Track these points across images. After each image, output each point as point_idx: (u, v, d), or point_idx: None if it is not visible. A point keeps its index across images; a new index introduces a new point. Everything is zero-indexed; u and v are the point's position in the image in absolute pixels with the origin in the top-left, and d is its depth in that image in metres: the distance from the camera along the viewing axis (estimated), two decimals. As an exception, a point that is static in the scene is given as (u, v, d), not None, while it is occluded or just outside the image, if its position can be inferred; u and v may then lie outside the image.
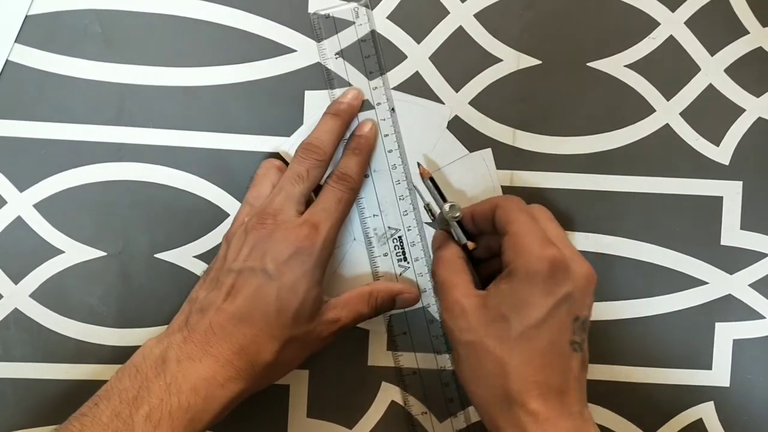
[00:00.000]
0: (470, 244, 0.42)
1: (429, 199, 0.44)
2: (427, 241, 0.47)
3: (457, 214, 0.42)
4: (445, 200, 0.43)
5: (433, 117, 0.46)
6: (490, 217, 0.41)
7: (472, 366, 0.38)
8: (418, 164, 0.46)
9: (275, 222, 0.41)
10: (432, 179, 0.44)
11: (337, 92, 0.46)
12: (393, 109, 0.46)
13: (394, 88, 0.46)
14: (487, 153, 0.47)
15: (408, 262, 0.46)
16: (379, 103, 0.46)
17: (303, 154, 0.44)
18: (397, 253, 0.46)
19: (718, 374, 0.48)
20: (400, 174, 0.46)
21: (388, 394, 0.47)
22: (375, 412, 0.47)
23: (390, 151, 0.46)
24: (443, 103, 0.47)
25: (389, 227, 0.46)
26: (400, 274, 0.46)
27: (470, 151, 0.47)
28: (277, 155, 0.46)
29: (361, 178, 0.45)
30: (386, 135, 0.46)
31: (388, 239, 0.46)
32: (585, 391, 0.39)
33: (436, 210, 0.44)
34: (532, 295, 0.38)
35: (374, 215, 0.46)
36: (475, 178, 0.47)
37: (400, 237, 0.46)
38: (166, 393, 0.37)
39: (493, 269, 0.41)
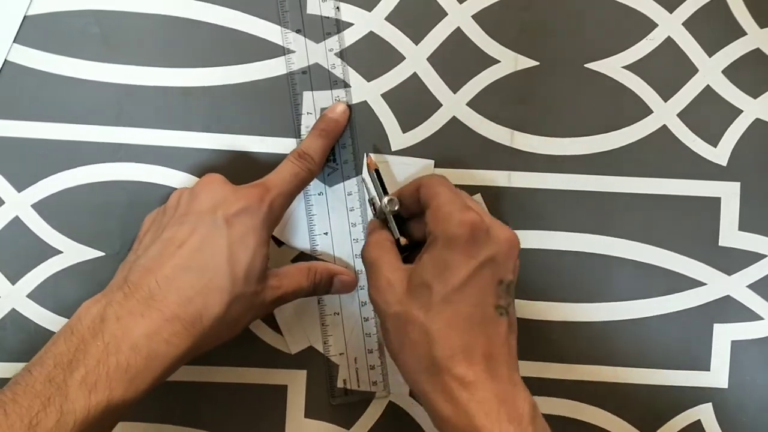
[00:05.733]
0: (403, 240, 0.43)
1: (374, 193, 0.45)
2: (358, 144, 0.46)
3: (396, 208, 0.43)
4: (386, 193, 0.44)
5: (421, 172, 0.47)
6: (416, 196, 0.42)
7: (399, 337, 0.38)
8: (366, 154, 0.46)
9: (230, 185, 0.41)
10: (377, 171, 0.44)
11: (322, 94, 0.46)
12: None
13: (391, 90, 0.47)
14: (430, 164, 0.47)
15: (336, 164, 0.46)
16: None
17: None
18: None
19: (717, 376, 0.48)
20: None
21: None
22: (373, 413, 0.47)
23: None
24: (441, 104, 0.47)
25: None
26: (328, 175, 0.46)
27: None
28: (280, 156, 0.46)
29: (322, 161, 0.45)
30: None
31: None
32: (515, 356, 0.38)
33: (378, 204, 0.44)
34: (453, 260, 0.37)
35: (308, 113, 0.46)
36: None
37: None
38: (104, 353, 0.35)
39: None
